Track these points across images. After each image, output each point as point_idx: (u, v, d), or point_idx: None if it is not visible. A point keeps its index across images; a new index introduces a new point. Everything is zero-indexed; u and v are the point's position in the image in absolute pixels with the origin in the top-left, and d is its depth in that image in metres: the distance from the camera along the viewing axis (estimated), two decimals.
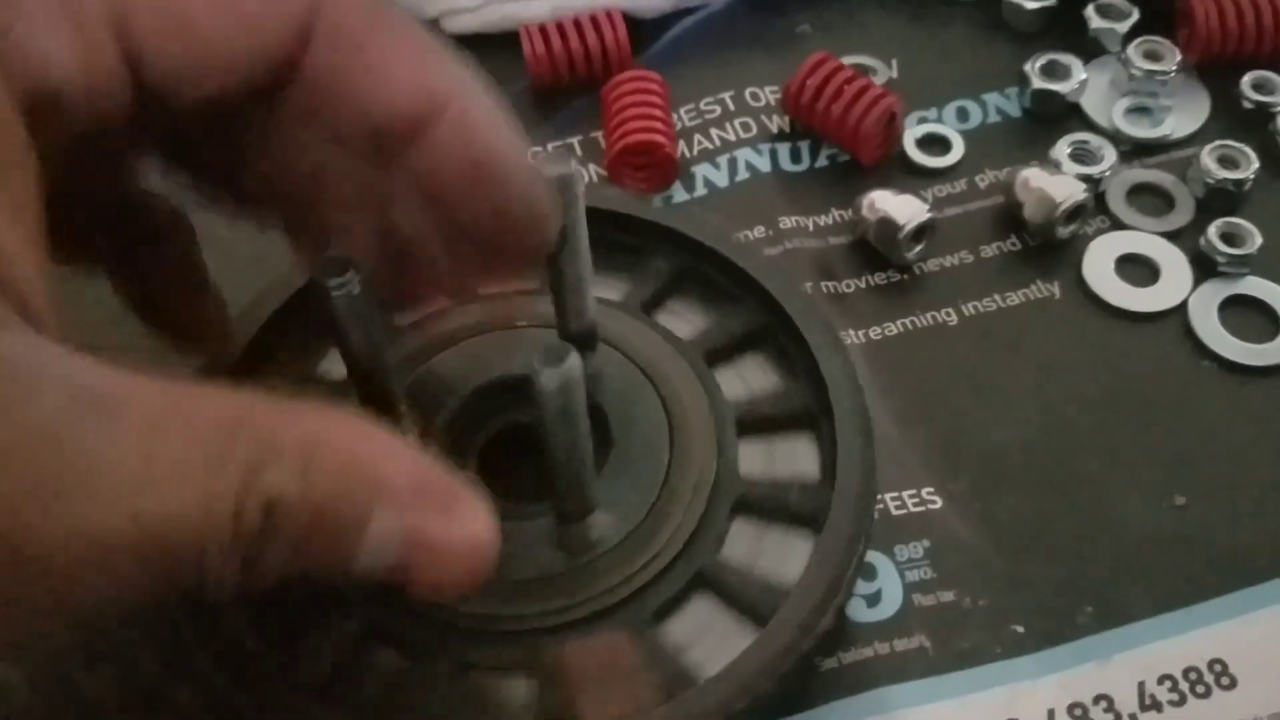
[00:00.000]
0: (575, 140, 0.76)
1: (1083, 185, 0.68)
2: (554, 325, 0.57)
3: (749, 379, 0.60)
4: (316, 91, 0.40)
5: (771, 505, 0.55)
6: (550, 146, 0.75)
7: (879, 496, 0.57)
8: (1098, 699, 0.53)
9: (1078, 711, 0.53)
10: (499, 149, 0.43)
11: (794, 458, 0.57)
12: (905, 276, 0.68)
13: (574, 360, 0.43)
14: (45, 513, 0.31)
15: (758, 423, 0.57)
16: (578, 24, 0.76)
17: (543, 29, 0.76)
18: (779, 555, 0.54)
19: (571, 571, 0.51)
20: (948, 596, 0.56)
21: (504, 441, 0.57)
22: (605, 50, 0.76)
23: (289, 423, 0.36)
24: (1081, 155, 0.71)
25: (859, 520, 0.52)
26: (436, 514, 0.38)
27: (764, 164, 0.73)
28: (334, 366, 0.59)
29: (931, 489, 0.60)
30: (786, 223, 0.70)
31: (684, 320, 0.61)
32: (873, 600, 0.56)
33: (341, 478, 0.36)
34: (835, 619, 0.51)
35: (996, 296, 0.67)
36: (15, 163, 0.34)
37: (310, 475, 0.35)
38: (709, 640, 0.51)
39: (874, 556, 0.57)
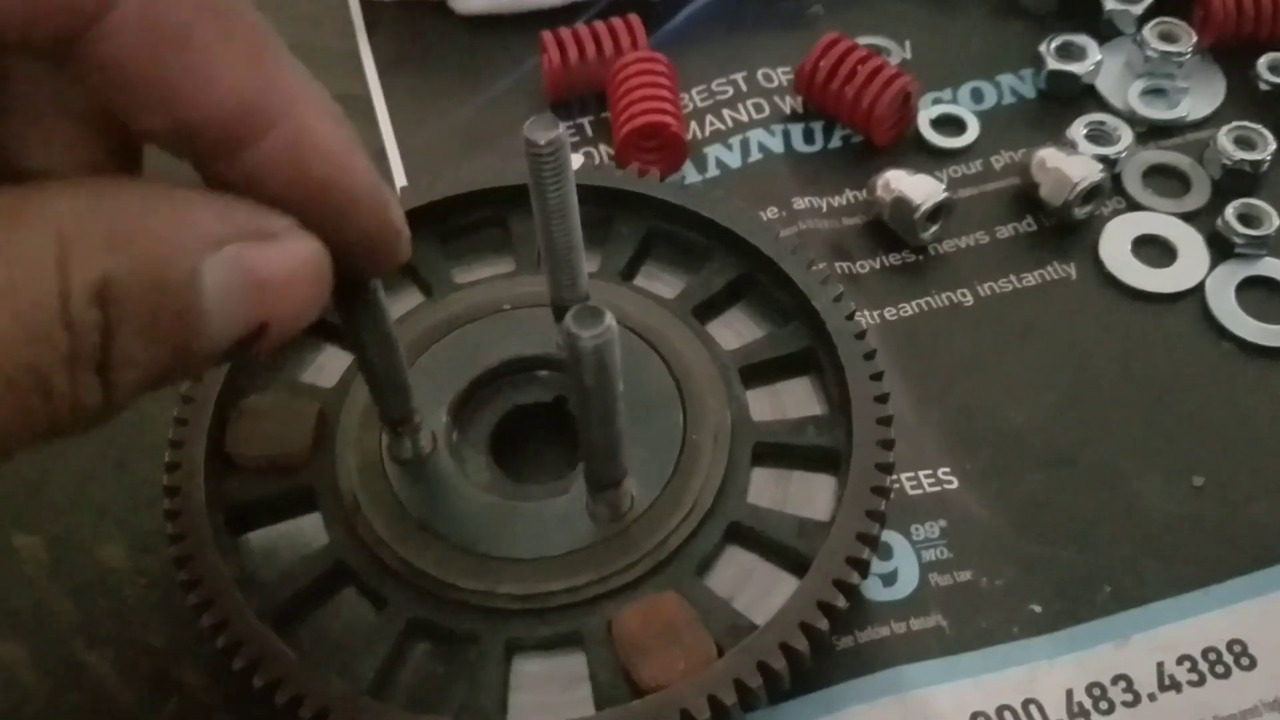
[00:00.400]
0: (586, 120, 0.75)
1: (1099, 166, 0.67)
2: (540, 305, 0.57)
3: (740, 329, 0.60)
4: (113, 77, 0.34)
5: (790, 446, 0.55)
6: (562, 127, 0.74)
7: (895, 476, 0.56)
8: (1116, 679, 0.53)
9: (1096, 691, 0.52)
10: (338, 172, 0.38)
11: (800, 398, 0.58)
12: (920, 257, 0.68)
13: (609, 321, 0.43)
14: None
15: (759, 369, 0.58)
16: (595, 34, 0.75)
17: (560, 40, 0.75)
18: (806, 494, 0.54)
19: (608, 540, 0.51)
20: (964, 576, 0.56)
21: (511, 425, 0.57)
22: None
23: (88, 204, 0.33)
24: (1097, 136, 0.71)
25: (881, 447, 0.52)
26: (262, 246, 0.36)
27: (777, 145, 0.73)
28: (319, 376, 0.59)
29: (948, 469, 0.59)
30: (800, 203, 0.70)
31: (663, 282, 0.62)
32: (889, 579, 0.55)
33: (161, 241, 0.34)
34: (874, 550, 0.51)
35: (1012, 277, 0.67)
36: None
37: (130, 248, 0.33)
38: (751, 587, 0.52)
39: (890, 536, 0.56)
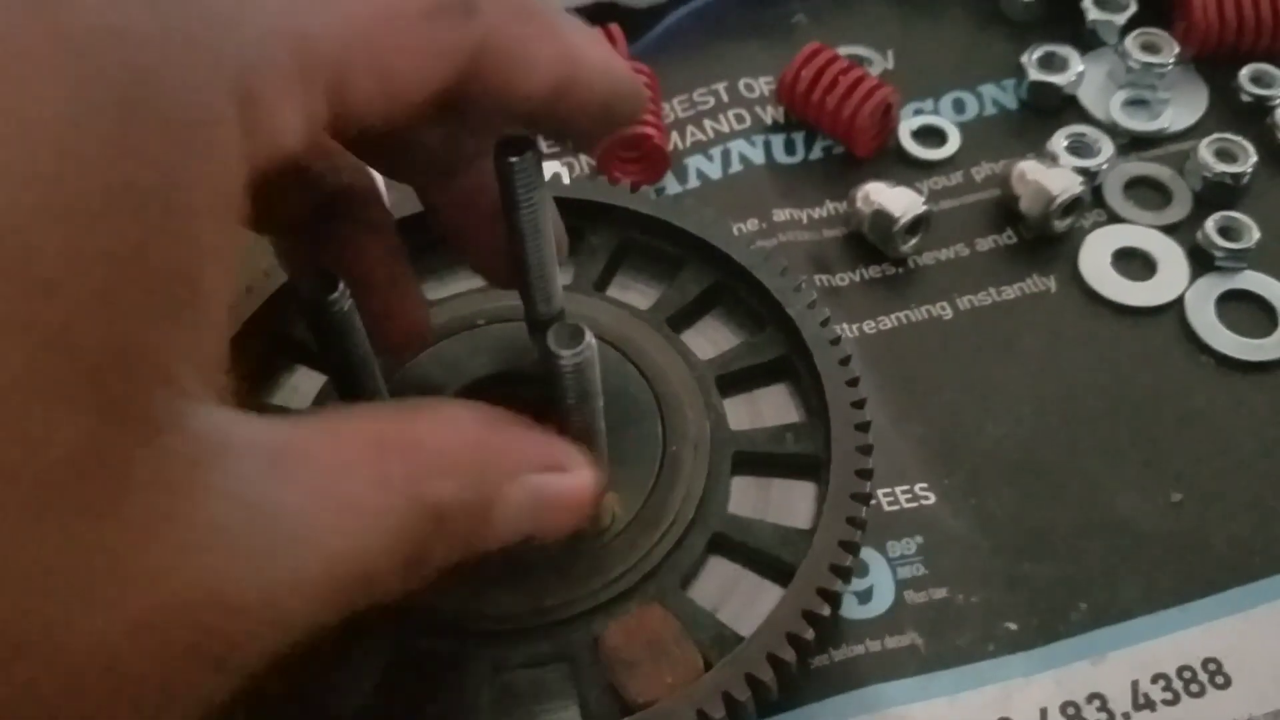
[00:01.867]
0: None
1: (1079, 178, 0.67)
2: (514, 319, 0.57)
3: (714, 338, 0.60)
4: (478, 101, 0.41)
5: (770, 455, 0.55)
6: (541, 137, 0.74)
7: (872, 491, 0.56)
8: (1091, 697, 0.53)
9: (1070, 710, 0.52)
10: (614, 83, 0.44)
11: (778, 406, 0.57)
12: (900, 270, 0.68)
13: (589, 339, 0.43)
14: (257, 570, 0.32)
15: (736, 377, 0.57)
16: None
17: None
18: (786, 502, 0.54)
19: (591, 555, 0.51)
20: (940, 593, 0.55)
21: None
22: None
23: (425, 425, 0.38)
24: (1078, 148, 0.71)
25: (860, 453, 0.52)
26: (554, 477, 0.41)
27: (758, 156, 0.73)
28: (292, 396, 0.59)
29: (925, 484, 0.59)
30: (780, 215, 0.70)
31: (636, 292, 0.61)
32: (864, 597, 0.55)
33: (480, 469, 0.39)
34: (856, 556, 0.51)
35: (992, 290, 0.67)
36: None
37: (458, 475, 0.38)
38: (736, 597, 0.52)
39: (866, 553, 0.56)
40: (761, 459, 0.55)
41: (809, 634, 0.48)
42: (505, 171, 0.49)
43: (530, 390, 0.57)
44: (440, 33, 0.39)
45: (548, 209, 0.51)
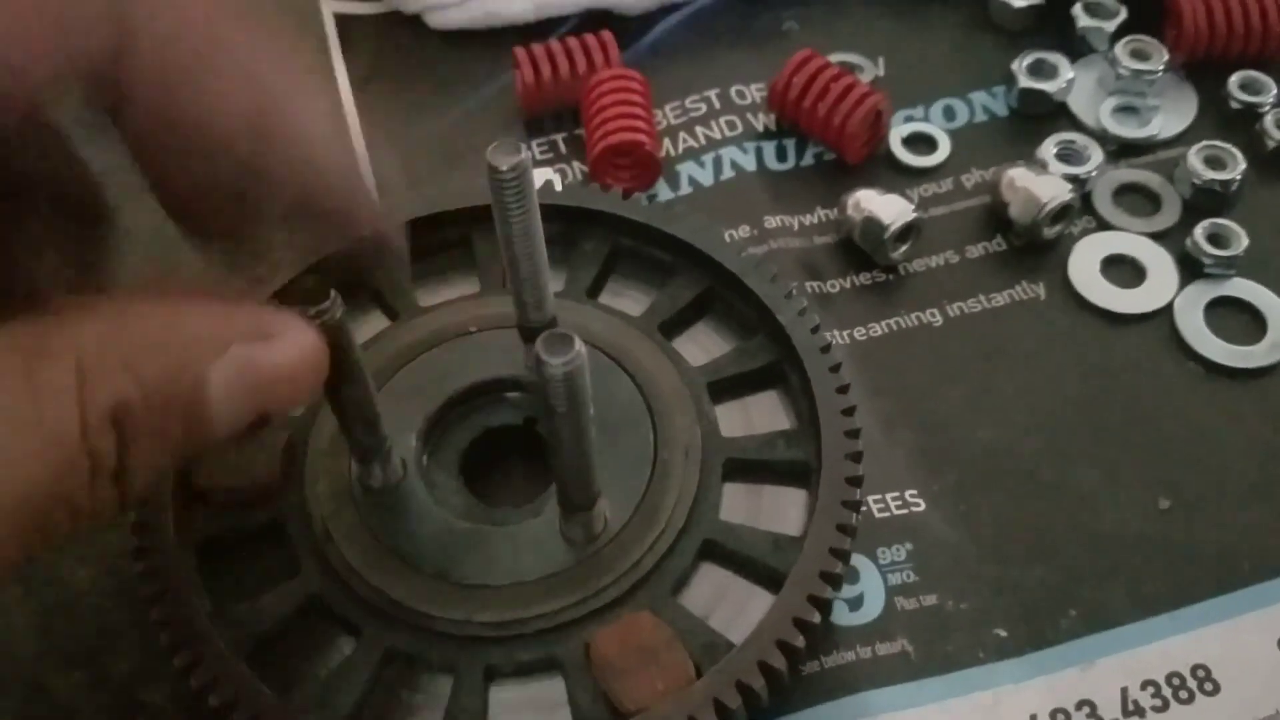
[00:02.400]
0: (560, 137, 0.75)
1: (1069, 185, 0.68)
2: (506, 326, 0.57)
3: (706, 345, 0.60)
4: (152, 111, 0.38)
5: (760, 462, 0.55)
6: (534, 143, 0.75)
7: (862, 498, 0.57)
8: (1080, 704, 0.53)
9: (1060, 717, 0.53)
10: (327, 165, 0.42)
11: (769, 412, 0.58)
12: (890, 277, 0.68)
13: (579, 347, 0.43)
14: None
15: (727, 384, 0.58)
16: (569, 51, 0.75)
17: (533, 57, 0.75)
18: (777, 509, 0.54)
19: (583, 563, 0.51)
20: (930, 600, 0.56)
21: (482, 448, 0.57)
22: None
23: (106, 328, 0.35)
24: (1068, 155, 0.71)
25: (850, 460, 0.53)
26: (264, 345, 0.39)
27: (749, 162, 0.73)
28: None
29: (915, 491, 0.59)
30: (771, 222, 0.70)
31: (629, 299, 0.62)
32: (855, 604, 0.56)
33: (171, 355, 0.36)
34: (846, 564, 0.51)
35: (982, 297, 0.67)
36: None
37: (142, 368, 0.35)
38: (726, 604, 0.52)
39: (856, 559, 0.56)
40: (753, 466, 0.55)
41: (800, 641, 0.48)
42: (496, 183, 0.49)
43: (522, 396, 0.57)
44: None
45: (538, 217, 0.51)
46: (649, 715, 0.47)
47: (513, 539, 0.53)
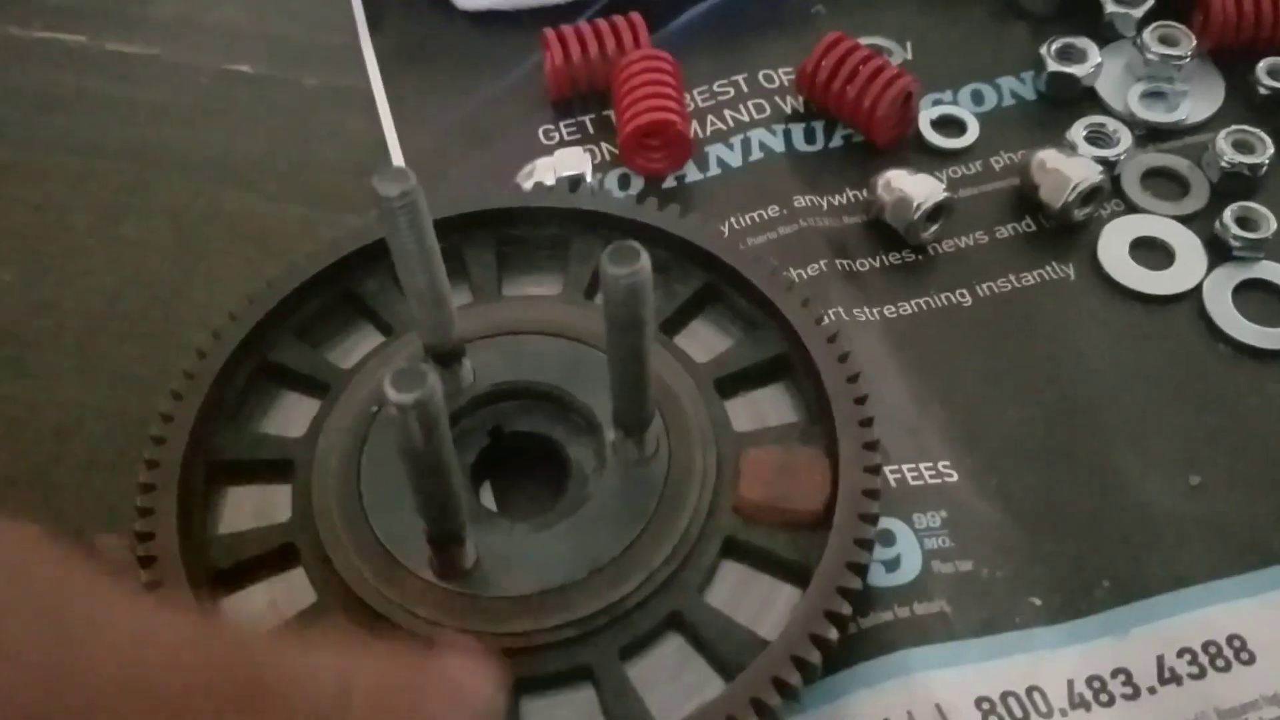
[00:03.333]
0: (588, 118, 0.75)
1: (1099, 168, 0.68)
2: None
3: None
4: None
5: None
6: (562, 125, 0.75)
7: (897, 466, 0.57)
8: (1116, 672, 0.53)
9: (1096, 683, 0.53)
10: None
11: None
12: (920, 257, 0.68)
13: (644, 260, 0.43)
14: None
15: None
16: (598, 32, 0.75)
17: (562, 38, 0.75)
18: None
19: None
20: (966, 566, 0.56)
21: (495, 456, 0.57)
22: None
23: None
24: (1097, 138, 0.71)
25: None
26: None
27: (778, 144, 0.73)
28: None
29: (948, 463, 0.59)
30: (801, 201, 0.70)
31: None
32: (892, 565, 0.56)
33: None
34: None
35: (1011, 277, 0.67)
36: None
37: None
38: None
39: (892, 523, 0.57)
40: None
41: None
42: (388, 210, 0.47)
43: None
44: None
45: (434, 240, 0.50)
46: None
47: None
